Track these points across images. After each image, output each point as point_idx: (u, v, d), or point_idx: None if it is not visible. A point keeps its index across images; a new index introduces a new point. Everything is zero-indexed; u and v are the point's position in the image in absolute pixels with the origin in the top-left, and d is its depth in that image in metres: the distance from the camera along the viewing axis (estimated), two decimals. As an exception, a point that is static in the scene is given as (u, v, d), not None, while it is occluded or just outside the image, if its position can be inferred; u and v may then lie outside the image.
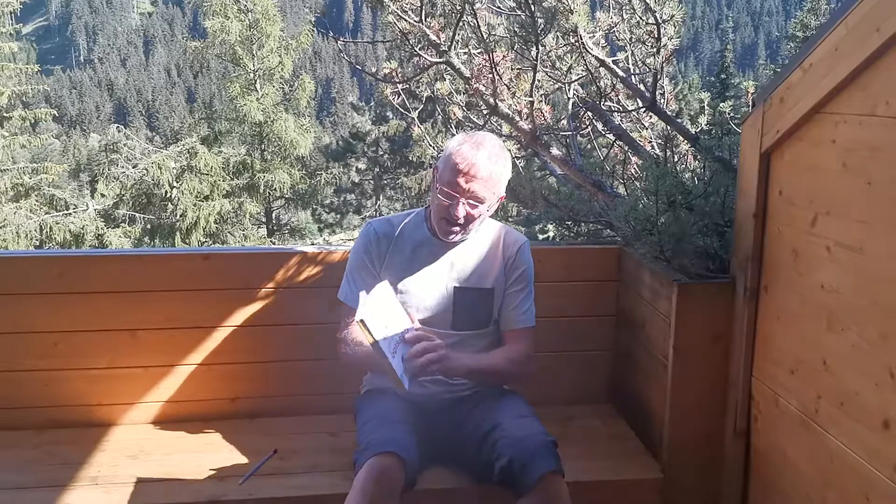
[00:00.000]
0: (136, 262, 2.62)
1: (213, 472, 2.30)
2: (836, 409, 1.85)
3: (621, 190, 3.20)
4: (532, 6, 3.08)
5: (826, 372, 1.89)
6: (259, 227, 22.82)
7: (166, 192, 18.61)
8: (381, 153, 25.95)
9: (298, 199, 23.72)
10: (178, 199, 18.68)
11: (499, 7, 3.33)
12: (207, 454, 2.41)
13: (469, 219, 2.21)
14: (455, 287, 2.30)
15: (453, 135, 3.54)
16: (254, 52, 21.50)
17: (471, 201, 2.18)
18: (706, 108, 3.51)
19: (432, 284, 2.30)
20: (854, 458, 1.78)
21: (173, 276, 2.58)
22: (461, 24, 3.18)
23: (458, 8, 3.13)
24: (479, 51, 3.29)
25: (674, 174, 2.52)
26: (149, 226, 19.11)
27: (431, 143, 4.15)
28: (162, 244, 18.40)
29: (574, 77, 3.38)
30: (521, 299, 2.36)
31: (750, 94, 3.03)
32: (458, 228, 2.23)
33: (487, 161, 2.16)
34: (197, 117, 26.96)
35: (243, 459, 2.38)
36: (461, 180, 2.15)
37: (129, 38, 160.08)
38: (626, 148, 3.38)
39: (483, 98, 3.25)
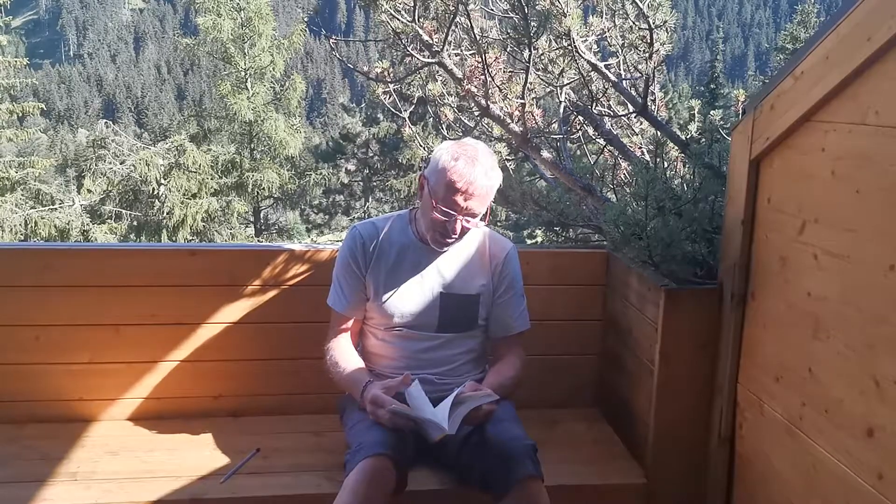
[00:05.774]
0: (121, 257, 2.59)
1: (194, 469, 2.27)
2: (820, 416, 1.86)
3: (611, 195, 3.21)
4: (525, 8, 3.08)
5: (811, 379, 1.89)
6: (247, 227, 22.73)
7: (154, 189, 18.50)
8: (371, 155, 25.89)
9: (287, 199, 23.67)
10: (166, 196, 18.58)
11: (492, 9, 3.33)
12: (189, 452, 2.39)
13: (464, 231, 2.19)
14: (441, 293, 2.29)
15: (444, 137, 3.54)
16: (245, 50, 21.44)
17: (468, 217, 2.16)
18: (696, 115, 3.52)
19: (418, 289, 2.28)
20: (838, 465, 1.79)
21: (159, 271, 2.55)
22: (454, 25, 3.18)
23: (452, 9, 3.13)
24: (471, 52, 3.28)
25: (663, 180, 2.52)
26: (135, 222, 18.99)
27: (422, 143, 4.15)
28: (148, 241, 18.26)
29: (566, 81, 3.39)
30: (514, 305, 2.36)
31: (740, 102, 3.04)
32: (452, 241, 2.22)
33: (484, 178, 2.13)
34: (186, 115, 26.84)
35: (226, 458, 2.36)
36: (459, 199, 2.12)
37: (119, 34, 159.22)
38: (617, 153, 3.39)
39: (475, 100, 3.25)
